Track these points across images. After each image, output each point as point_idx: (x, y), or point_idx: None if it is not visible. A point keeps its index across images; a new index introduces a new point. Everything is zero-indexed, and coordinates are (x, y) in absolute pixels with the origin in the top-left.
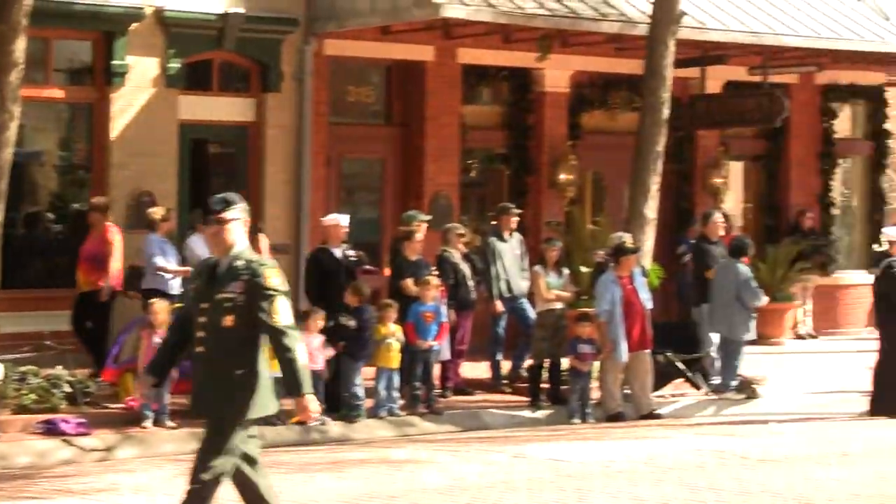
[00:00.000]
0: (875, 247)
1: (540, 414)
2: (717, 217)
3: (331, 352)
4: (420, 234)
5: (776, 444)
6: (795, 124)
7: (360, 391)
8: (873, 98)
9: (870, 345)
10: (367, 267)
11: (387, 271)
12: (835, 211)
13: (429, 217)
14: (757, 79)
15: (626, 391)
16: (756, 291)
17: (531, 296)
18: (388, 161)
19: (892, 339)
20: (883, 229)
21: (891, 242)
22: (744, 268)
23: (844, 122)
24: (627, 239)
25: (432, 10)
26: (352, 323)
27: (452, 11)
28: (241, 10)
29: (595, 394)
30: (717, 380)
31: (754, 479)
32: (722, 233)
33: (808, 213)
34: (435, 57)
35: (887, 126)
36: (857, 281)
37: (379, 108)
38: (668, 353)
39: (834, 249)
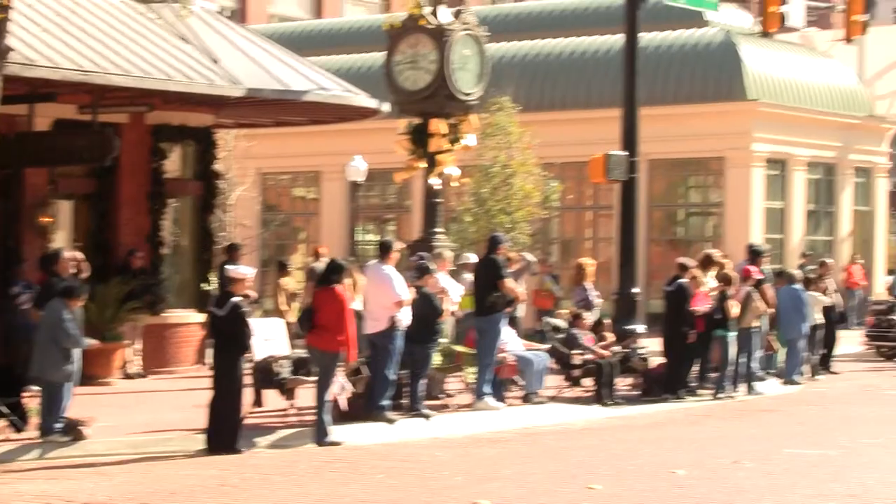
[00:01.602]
0: (203, 286)
1: None
2: (67, 254)
3: None
4: None
5: (102, 486)
6: (126, 164)
7: None
8: (203, 139)
9: (199, 382)
10: None
11: None
12: (165, 250)
13: None
14: (87, 117)
15: None
16: (70, 334)
17: None
18: None
19: (228, 376)
20: (227, 266)
21: (234, 279)
22: (60, 307)
23: (175, 163)
24: None
25: None
26: None
27: None
28: None
29: None
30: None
31: None
32: (74, 271)
33: (138, 252)
34: None
35: (216, 167)
36: (187, 319)
37: None
38: None
39: (163, 289)
